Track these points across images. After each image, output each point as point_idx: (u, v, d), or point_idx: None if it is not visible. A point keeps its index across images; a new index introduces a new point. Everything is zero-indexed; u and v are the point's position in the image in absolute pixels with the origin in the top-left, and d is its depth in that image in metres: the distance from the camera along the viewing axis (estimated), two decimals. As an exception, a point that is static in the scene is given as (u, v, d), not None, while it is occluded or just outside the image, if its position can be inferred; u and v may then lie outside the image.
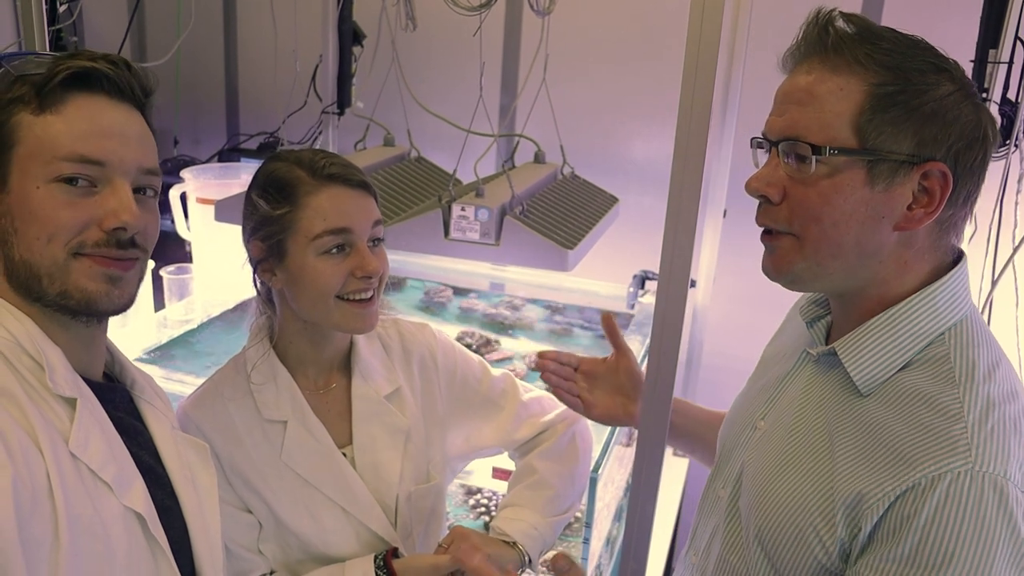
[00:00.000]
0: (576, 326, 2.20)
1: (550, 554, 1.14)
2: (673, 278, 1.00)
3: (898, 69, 0.80)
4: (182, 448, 0.96)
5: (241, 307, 2.00)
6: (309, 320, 1.14)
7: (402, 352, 1.27)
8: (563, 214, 1.72)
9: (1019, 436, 0.78)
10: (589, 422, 1.35)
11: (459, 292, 2.33)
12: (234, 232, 1.20)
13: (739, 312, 2.35)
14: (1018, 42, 1.49)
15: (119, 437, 0.86)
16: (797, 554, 0.85)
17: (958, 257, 0.88)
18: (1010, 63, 1.49)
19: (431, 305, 2.27)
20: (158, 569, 0.85)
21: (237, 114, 3.04)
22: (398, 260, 2.19)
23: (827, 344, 0.94)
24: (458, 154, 1.68)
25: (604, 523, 1.60)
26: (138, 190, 0.85)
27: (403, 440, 1.20)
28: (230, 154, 2.80)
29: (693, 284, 2.14)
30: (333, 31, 2.12)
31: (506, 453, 1.37)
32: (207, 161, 2.82)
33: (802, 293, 1.05)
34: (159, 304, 2.05)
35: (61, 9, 2.34)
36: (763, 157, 0.90)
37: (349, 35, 2.14)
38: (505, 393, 1.33)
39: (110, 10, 3.01)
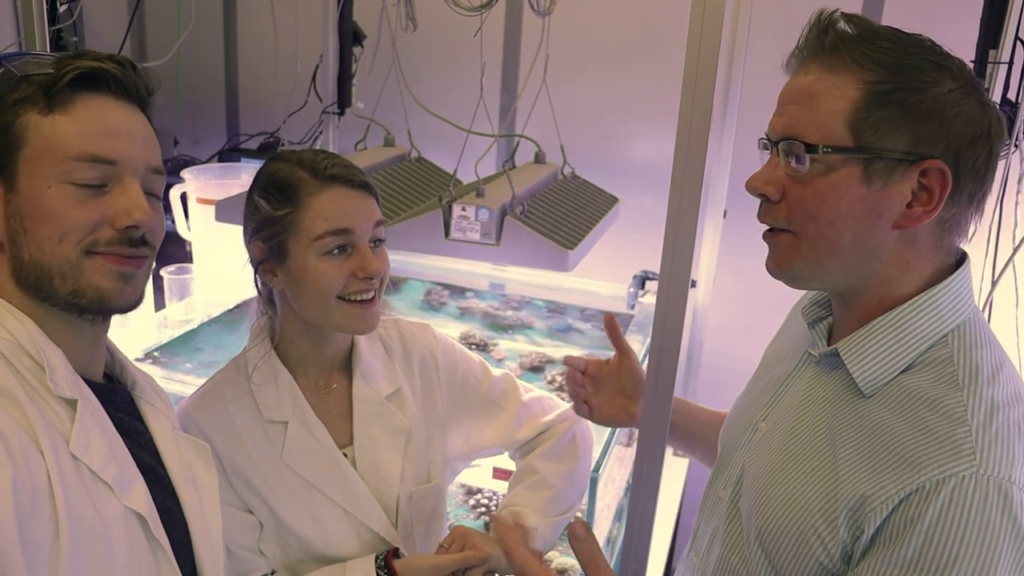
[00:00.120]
0: (576, 326, 2.20)
1: (550, 554, 1.13)
2: (673, 278, 1.00)
3: (895, 67, 0.80)
4: (183, 448, 0.96)
5: (241, 307, 1.99)
6: (310, 321, 1.14)
7: (403, 352, 1.27)
8: (563, 214, 1.72)
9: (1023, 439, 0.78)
10: (589, 422, 1.35)
11: (459, 292, 2.33)
12: (235, 232, 1.20)
13: (739, 312, 2.35)
14: (1018, 42, 1.49)
15: (120, 438, 0.86)
16: (798, 555, 0.84)
17: (961, 258, 0.88)
18: (1010, 63, 1.49)
19: (431, 305, 2.27)
20: (159, 570, 0.85)
21: (237, 114, 3.03)
22: (398, 260, 2.19)
23: (829, 345, 0.93)
24: (458, 154, 1.68)
25: (605, 523, 1.60)
26: (145, 191, 0.86)
27: (404, 440, 1.20)
28: (230, 154, 2.80)
29: (693, 284, 2.14)
30: (333, 31, 2.12)
31: (507, 453, 1.37)
32: (207, 161, 2.81)
33: (803, 293, 1.05)
34: (159, 304, 2.05)
35: (61, 9, 2.35)
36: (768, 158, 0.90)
37: (349, 35, 2.14)
38: (506, 394, 1.33)
39: (110, 10, 3.01)
